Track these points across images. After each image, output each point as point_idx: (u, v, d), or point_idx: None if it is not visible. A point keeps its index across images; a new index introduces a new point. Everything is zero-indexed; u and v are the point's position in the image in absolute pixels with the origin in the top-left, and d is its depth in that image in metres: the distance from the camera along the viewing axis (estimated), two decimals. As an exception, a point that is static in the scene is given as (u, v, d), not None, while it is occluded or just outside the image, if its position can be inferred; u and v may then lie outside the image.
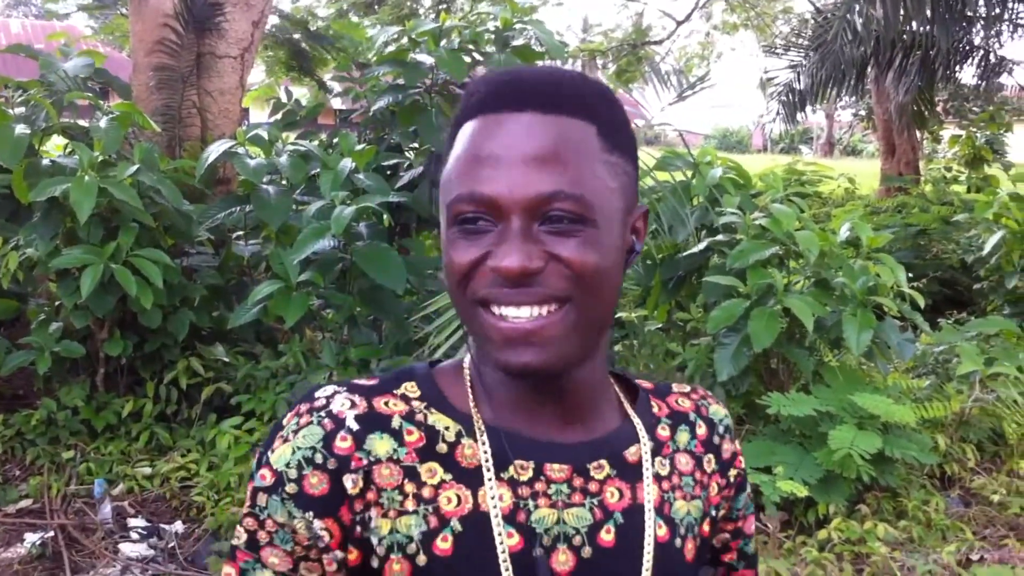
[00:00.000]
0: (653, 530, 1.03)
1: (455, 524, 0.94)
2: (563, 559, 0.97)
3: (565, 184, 0.89)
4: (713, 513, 1.13)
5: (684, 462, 1.11)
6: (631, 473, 1.04)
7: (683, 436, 1.12)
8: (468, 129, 0.93)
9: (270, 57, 11.01)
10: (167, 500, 4.65)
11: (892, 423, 4.30)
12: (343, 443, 0.93)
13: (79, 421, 4.97)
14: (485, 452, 0.97)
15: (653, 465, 1.07)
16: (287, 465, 0.92)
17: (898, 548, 3.90)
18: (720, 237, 4.85)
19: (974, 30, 12.08)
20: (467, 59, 5.71)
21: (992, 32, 11.92)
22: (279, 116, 6.69)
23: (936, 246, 9.44)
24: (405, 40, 6.04)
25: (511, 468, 0.97)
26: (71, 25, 21.07)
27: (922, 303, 4.72)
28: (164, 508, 4.62)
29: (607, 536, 1.00)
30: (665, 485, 1.07)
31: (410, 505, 0.94)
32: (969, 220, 8.88)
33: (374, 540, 0.93)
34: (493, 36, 5.69)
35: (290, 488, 0.92)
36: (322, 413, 0.94)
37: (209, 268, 5.62)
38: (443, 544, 0.93)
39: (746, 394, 4.67)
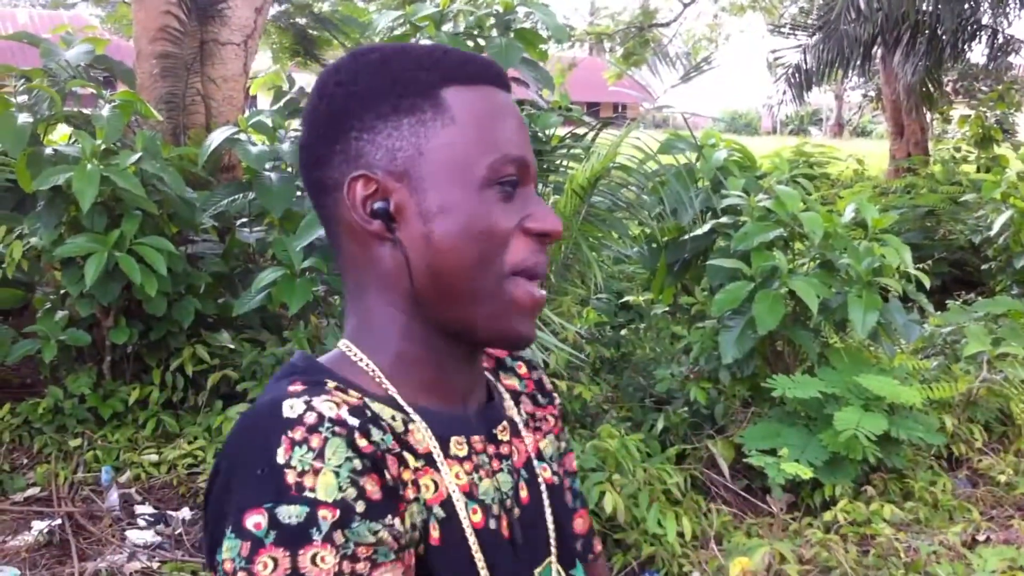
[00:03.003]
0: (546, 476, 1.08)
1: (437, 511, 0.92)
2: (504, 524, 0.99)
3: None
4: (559, 449, 1.17)
5: (528, 402, 1.14)
6: (515, 429, 1.07)
7: (513, 380, 1.15)
8: (469, 94, 0.93)
9: (275, 43, 10.99)
10: (174, 487, 4.66)
11: (898, 404, 4.29)
12: (362, 441, 0.85)
13: (86, 409, 4.98)
14: (427, 432, 0.94)
15: (520, 414, 1.10)
16: (340, 489, 0.81)
17: (904, 529, 3.90)
18: (724, 220, 4.84)
19: (982, 9, 12.02)
20: (469, 43, 5.68)
21: (1000, 11, 11.84)
22: (282, 103, 6.67)
23: (944, 227, 9.41)
24: (407, 24, 6.01)
25: (451, 445, 0.96)
26: (77, 15, 21.08)
27: (928, 284, 4.71)
28: (171, 495, 4.63)
29: (524, 493, 1.03)
30: (530, 430, 1.11)
31: (411, 493, 0.90)
32: (977, 200, 8.86)
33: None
34: (495, 20, 5.65)
35: (360, 507, 0.81)
36: (327, 423, 0.84)
37: (213, 255, 5.62)
38: (434, 533, 0.91)
39: (751, 377, 4.66)
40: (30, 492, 4.57)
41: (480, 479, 0.97)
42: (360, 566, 0.79)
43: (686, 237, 4.99)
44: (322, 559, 0.78)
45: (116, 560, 3.96)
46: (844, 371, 4.43)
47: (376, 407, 0.92)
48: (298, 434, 0.82)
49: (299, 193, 5.34)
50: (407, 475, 0.90)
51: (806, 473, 3.82)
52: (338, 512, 0.79)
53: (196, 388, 5.18)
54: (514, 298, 0.94)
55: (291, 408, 0.84)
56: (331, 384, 0.91)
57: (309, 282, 4.75)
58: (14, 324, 5.50)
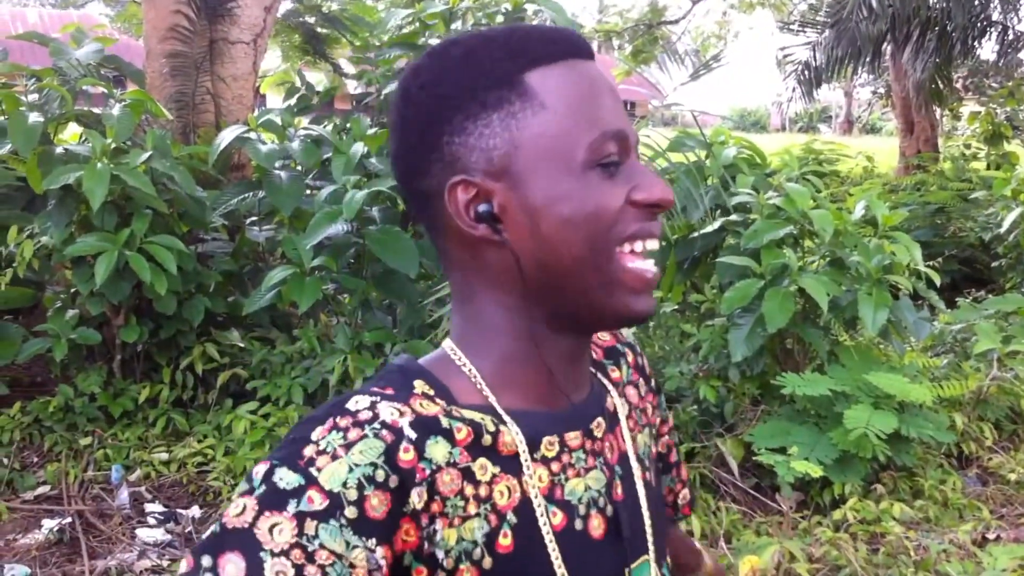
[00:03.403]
0: (640, 473, 1.06)
1: (511, 517, 0.91)
2: (595, 523, 0.97)
3: None
4: (656, 432, 1.18)
5: (632, 394, 1.13)
6: (613, 423, 1.05)
7: (620, 371, 1.13)
8: (555, 74, 0.90)
9: (284, 42, 11.00)
10: (184, 485, 4.68)
11: (908, 402, 4.28)
12: (406, 455, 0.83)
13: (96, 408, 5.00)
14: (518, 435, 0.93)
15: (623, 406, 1.09)
16: (344, 485, 0.79)
17: (914, 528, 3.89)
18: (734, 217, 4.83)
19: (992, 5, 11.97)
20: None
21: (1010, 7, 11.80)
22: (292, 101, 6.68)
23: (955, 224, 9.38)
24: (417, 23, 6.02)
25: (541, 447, 0.95)
26: (87, 14, 21.12)
27: (938, 281, 4.69)
28: (181, 493, 4.64)
29: (619, 491, 1.01)
30: (631, 424, 1.09)
31: (472, 508, 0.88)
32: (988, 197, 8.83)
33: (440, 554, 0.86)
34: (504, 17, 5.65)
35: (350, 512, 0.78)
36: (376, 425, 0.83)
37: (223, 254, 5.64)
38: (504, 541, 0.90)
39: (761, 374, 4.66)
40: (40, 490, 4.59)
41: (567, 479, 0.96)
42: (310, 569, 0.75)
43: (696, 235, 4.98)
44: (279, 531, 0.76)
45: (126, 558, 3.97)
46: (854, 369, 4.42)
47: (467, 413, 0.91)
48: (344, 422, 0.83)
49: (308, 192, 5.35)
50: (471, 490, 0.89)
51: (816, 471, 3.81)
52: (326, 502, 0.78)
53: (206, 386, 5.19)
54: (627, 274, 0.91)
55: (356, 403, 0.86)
56: (420, 388, 0.92)
57: (319, 281, 4.75)
58: (25, 323, 5.53)
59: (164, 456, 4.81)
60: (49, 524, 4.19)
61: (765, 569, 3.34)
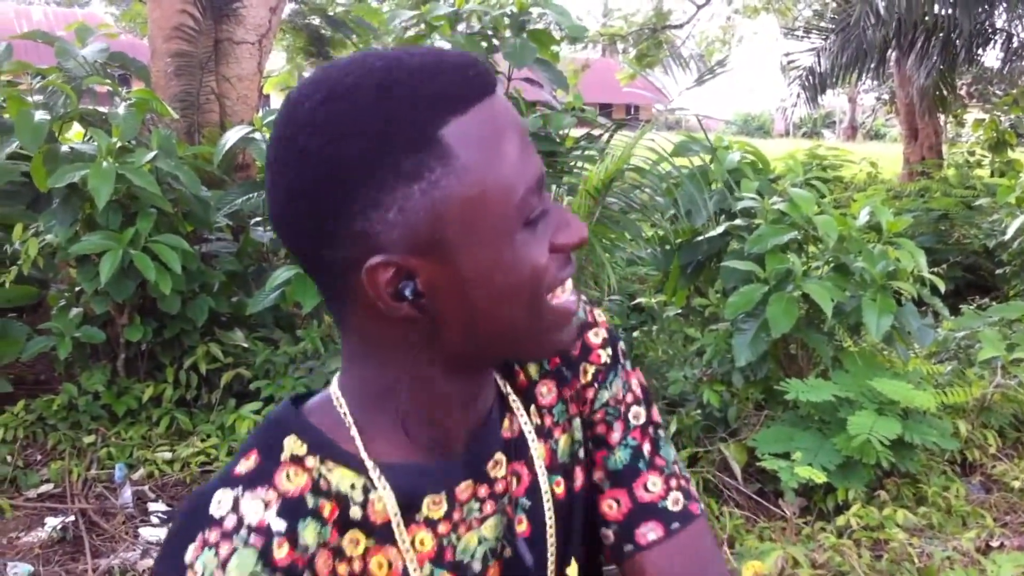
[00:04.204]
0: (551, 493, 0.98)
1: None
2: (492, 572, 0.93)
3: None
4: (590, 417, 1.07)
5: (546, 391, 1.03)
6: (519, 447, 0.98)
7: (533, 367, 1.03)
8: (471, 124, 0.79)
9: (289, 43, 11.02)
10: (187, 485, 4.67)
11: (912, 409, 4.28)
12: (281, 551, 0.81)
13: (100, 406, 5.00)
14: (391, 500, 0.87)
15: (529, 419, 1.00)
16: None
17: (917, 534, 3.88)
18: (738, 222, 4.83)
19: (997, 12, 11.98)
20: (483, 44, 5.69)
21: (1015, 14, 11.80)
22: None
23: (958, 231, 9.38)
24: (422, 25, 6.02)
25: (424, 508, 0.89)
26: (91, 13, 21.15)
27: (943, 288, 4.69)
28: (184, 492, 4.64)
29: (521, 527, 0.96)
30: (543, 432, 1.01)
31: None
32: (991, 204, 8.83)
33: None
34: (509, 20, 5.66)
35: None
36: (243, 532, 0.80)
37: (228, 254, 5.64)
38: None
39: (765, 379, 4.65)
40: (44, 488, 4.59)
41: (458, 538, 0.91)
42: None
43: (700, 239, 4.99)
44: None
45: (129, 557, 3.97)
46: (858, 375, 4.41)
47: (335, 475, 0.87)
48: (212, 536, 0.79)
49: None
50: (343, 568, 0.85)
51: (819, 477, 3.81)
52: None
53: (210, 386, 5.19)
54: (556, 314, 0.87)
55: (218, 504, 0.81)
56: (290, 449, 0.86)
57: (323, 281, 4.74)
58: (29, 321, 5.52)
59: (167, 455, 4.81)
60: (52, 522, 4.19)
61: (768, 575, 3.34)
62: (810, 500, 4.24)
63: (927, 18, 11.71)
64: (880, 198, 5.24)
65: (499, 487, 0.94)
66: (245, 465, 0.85)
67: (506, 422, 0.98)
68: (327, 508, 0.85)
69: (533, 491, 0.97)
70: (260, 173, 5.81)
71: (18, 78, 5.87)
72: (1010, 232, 7.41)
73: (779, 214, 4.62)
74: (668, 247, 5.34)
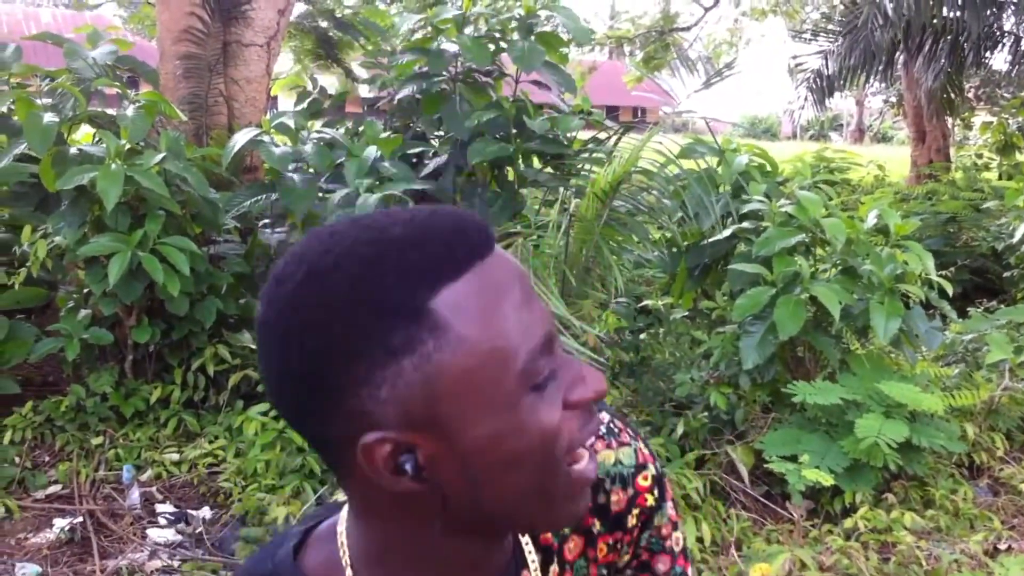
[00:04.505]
0: None
1: None
2: None
3: None
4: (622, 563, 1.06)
5: (571, 547, 1.01)
6: None
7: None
8: (464, 293, 0.74)
9: (297, 46, 11.03)
10: (195, 486, 4.69)
11: (920, 412, 4.27)
12: None
13: (108, 408, 5.02)
14: None
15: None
16: None
17: (925, 537, 3.88)
18: (746, 225, 4.83)
19: (1005, 15, 11.96)
20: (491, 47, 5.69)
21: (1023, 17, 11.78)
22: (305, 105, 6.70)
23: (966, 233, 9.37)
24: (429, 27, 6.03)
25: None
26: (100, 15, 21.21)
27: (950, 291, 4.69)
28: (192, 494, 4.65)
29: None
30: None
31: None
32: (999, 207, 8.82)
33: None
34: (517, 23, 5.66)
35: None
36: None
37: (235, 256, 5.65)
38: None
39: (772, 382, 4.65)
40: (52, 489, 4.61)
41: None
42: None
43: (707, 242, 4.98)
44: None
45: (137, 558, 3.98)
46: (865, 378, 4.41)
47: None
48: None
49: (321, 195, 5.36)
50: None
51: (826, 480, 3.81)
52: None
53: (217, 388, 5.20)
54: (573, 484, 0.82)
55: None
56: None
57: (330, 283, 4.75)
58: (37, 322, 5.54)
59: (175, 457, 4.82)
60: (60, 523, 4.20)
61: (775, 577, 3.33)
62: (817, 503, 4.23)
63: (935, 21, 11.68)
64: (888, 201, 5.24)
65: None
66: None
67: (525, 574, 0.95)
68: None
69: None
70: (268, 175, 5.82)
71: (27, 80, 5.89)
72: (1018, 235, 7.41)
73: (786, 217, 4.62)
74: (675, 249, 5.34)
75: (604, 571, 1.04)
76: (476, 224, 0.78)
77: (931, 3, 10.72)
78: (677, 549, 1.07)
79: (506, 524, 0.85)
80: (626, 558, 1.05)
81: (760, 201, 4.80)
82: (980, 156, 13.21)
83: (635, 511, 1.04)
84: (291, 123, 5.56)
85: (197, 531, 4.23)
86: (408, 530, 0.84)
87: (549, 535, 0.99)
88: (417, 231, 0.76)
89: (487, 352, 0.74)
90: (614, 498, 1.02)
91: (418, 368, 0.73)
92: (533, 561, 0.96)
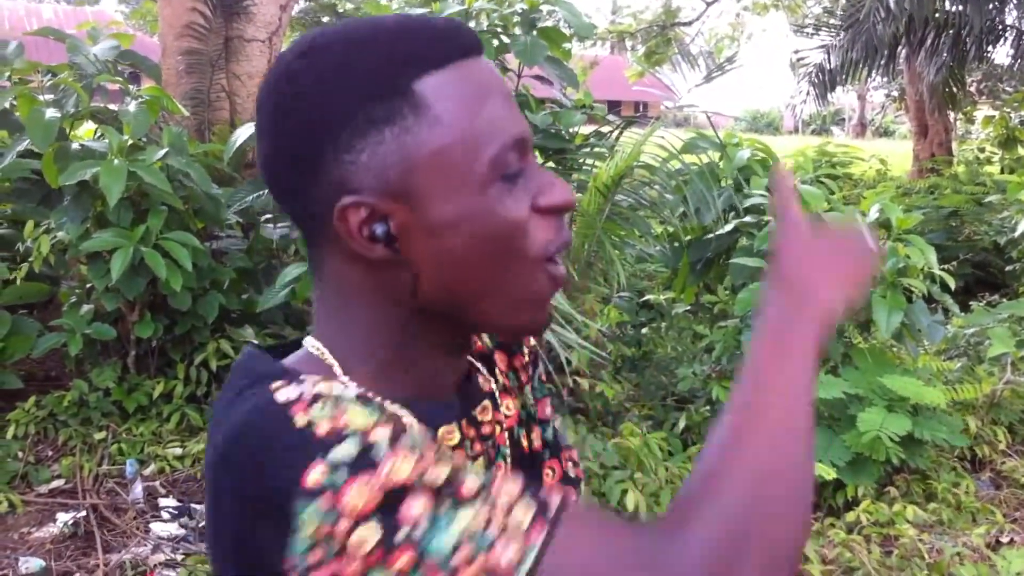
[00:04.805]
0: (528, 443, 1.05)
1: None
2: None
3: None
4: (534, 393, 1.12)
5: (499, 359, 1.07)
6: (494, 401, 1.01)
7: (485, 338, 1.07)
8: (446, 81, 0.81)
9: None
10: (198, 480, 4.69)
11: (922, 405, 4.27)
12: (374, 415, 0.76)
13: (111, 402, 5.02)
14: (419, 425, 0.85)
15: (496, 381, 1.04)
16: (375, 418, 0.75)
17: (927, 530, 3.88)
18: (748, 219, 4.83)
19: (1007, 9, 11.95)
20: (494, 42, 5.69)
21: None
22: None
23: (968, 227, 9.36)
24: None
25: (440, 436, 0.90)
26: (102, 11, 21.21)
27: (952, 285, 4.69)
28: (195, 488, 4.66)
29: (500, 473, 0.96)
30: (511, 392, 1.05)
31: None
32: (1002, 201, 8.81)
33: None
34: (519, 18, 5.65)
35: (407, 419, 0.81)
36: (334, 396, 0.76)
37: (238, 251, 5.65)
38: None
39: (774, 376, 4.64)
40: (55, 484, 4.61)
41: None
42: (433, 472, 0.73)
43: (709, 236, 4.99)
44: (398, 469, 0.71)
45: (140, 552, 3.99)
46: (868, 371, 4.42)
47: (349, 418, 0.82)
48: (305, 402, 0.75)
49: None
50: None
51: (829, 473, 3.81)
52: (390, 427, 0.74)
53: (220, 383, 5.20)
54: (538, 288, 0.87)
55: (284, 395, 0.76)
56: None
57: (333, 278, 4.75)
58: (40, 317, 5.54)
59: (178, 451, 4.82)
60: (64, 518, 4.21)
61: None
62: (820, 496, 4.24)
63: (937, 14, 11.68)
64: (890, 195, 5.25)
65: (486, 430, 0.97)
66: (275, 384, 0.78)
67: (480, 377, 1.01)
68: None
69: (512, 439, 1.02)
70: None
71: (29, 76, 5.89)
72: (1020, 229, 7.40)
73: (789, 211, 4.61)
74: (677, 244, 5.35)
75: (528, 391, 1.10)
76: (469, 30, 0.86)
77: (933, -3, 10.72)
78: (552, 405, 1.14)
79: (472, 316, 0.88)
80: (528, 392, 1.10)
81: (762, 195, 4.81)
82: (982, 150, 13.19)
83: (527, 348, 1.12)
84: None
85: (200, 525, 4.24)
86: (383, 314, 0.88)
87: (481, 346, 1.06)
88: (411, 22, 0.84)
89: (462, 133, 0.81)
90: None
91: (396, 138, 0.80)
92: (481, 368, 1.02)
